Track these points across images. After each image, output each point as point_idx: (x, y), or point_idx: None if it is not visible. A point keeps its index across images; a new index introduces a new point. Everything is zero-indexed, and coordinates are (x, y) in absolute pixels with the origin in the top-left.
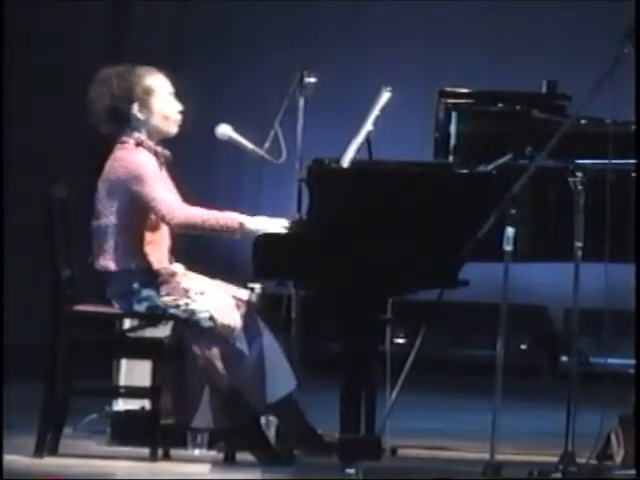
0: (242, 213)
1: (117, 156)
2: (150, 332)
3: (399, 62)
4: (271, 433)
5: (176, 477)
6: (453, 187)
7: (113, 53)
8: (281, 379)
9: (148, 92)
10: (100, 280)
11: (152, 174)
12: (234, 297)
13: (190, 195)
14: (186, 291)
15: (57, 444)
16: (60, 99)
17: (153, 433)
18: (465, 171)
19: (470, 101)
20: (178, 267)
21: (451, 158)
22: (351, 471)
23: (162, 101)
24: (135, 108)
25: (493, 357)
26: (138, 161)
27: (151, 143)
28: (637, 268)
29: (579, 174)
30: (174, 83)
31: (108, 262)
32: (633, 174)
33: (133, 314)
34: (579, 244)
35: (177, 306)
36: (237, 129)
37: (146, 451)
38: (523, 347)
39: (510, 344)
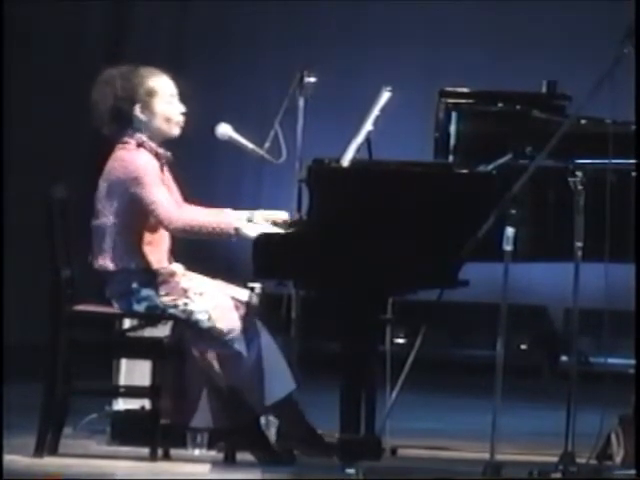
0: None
1: (118, 156)
2: (150, 332)
3: (399, 62)
4: (271, 433)
5: (176, 477)
6: (453, 187)
7: (113, 53)
8: (280, 380)
9: (151, 94)
10: (100, 280)
11: (151, 177)
12: (233, 298)
13: (190, 195)
14: (185, 291)
15: (57, 444)
16: (60, 99)
17: (153, 433)
18: (465, 171)
19: (470, 101)
20: (178, 267)
21: (451, 158)
22: (351, 471)
23: (164, 103)
24: (137, 109)
25: (493, 357)
26: (138, 163)
27: (153, 144)
28: (637, 268)
29: (579, 174)
30: (175, 83)
31: (107, 262)
32: (633, 174)
33: (132, 314)
34: (579, 244)
35: (176, 306)
36: (237, 129)
37: (146, 451)
38: (523, 347)
39: (510, 344)
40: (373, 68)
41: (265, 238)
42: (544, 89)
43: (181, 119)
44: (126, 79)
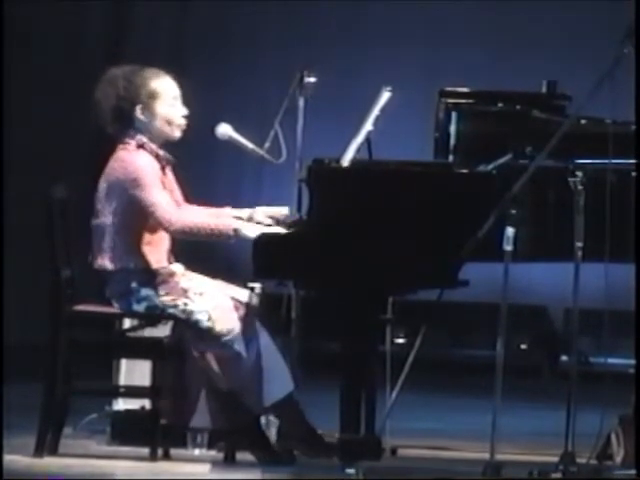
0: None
1: (118, 157)
2: (150, 332)
3: (399, 62)
4: (271, 433)
5: (176, 477)
6: (453, 187)
7: (113, 53)
8: (279, 381)
9: (153, 96)
10: (100, 280)
11: (151, 178)
12: (233, 298)
13: (190, 195)
14: (185, 291)
15: (57, 444)
16: (60, 99)
17: (153, 433)
18: (465, 171)
19: (470, 101)
20: (178, 267)
21: (451, 158)
22: (351, 471)
23: (166, 105)
24: (138, 111)
25: (493, 357)
26: (137, 164)
27: (153, 146)
28: (637, 268)
29: (579, 174)
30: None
31: (106, 261)
32: (633, 174)
33: (132, 314)
34: (579, 244)
35: (175, 306)
36: (237, 129)
37: (146, 451)
38: (523, 347)
39: (510, 344)
40: (373, 68)
41: (265, 238)
42: (544, 89)
43: (183, 122)
44: (129, 80)
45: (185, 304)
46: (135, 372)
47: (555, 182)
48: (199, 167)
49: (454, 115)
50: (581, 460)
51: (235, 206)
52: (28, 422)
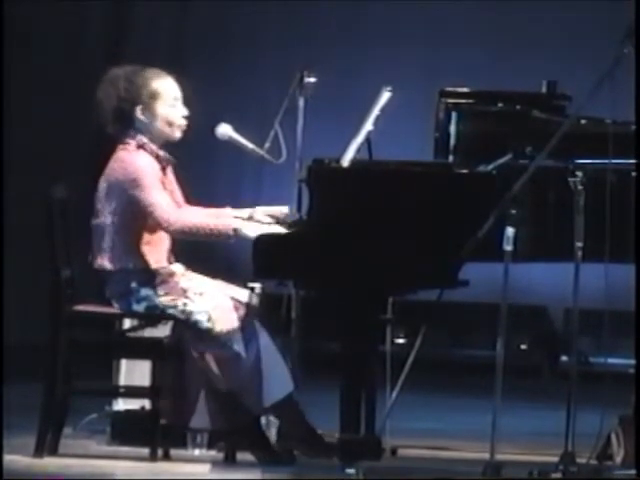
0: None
1: (118, 157)
2: (150, 332)
3: (399, 62)
4: (271, 433)
5: (176, 477)
6: (453, 187)
7: (113, 53)
8: (278, 382)
9: (153, 96)
10: (100, 280)
11: (150, 179)
12: (233, 299)
13: (190, 195)
14: (184, 291)
15: (57, 444)
16: (60, 99)
17: (153, 433)
18: (465, 171)
19: (470, 101)
20: (178, 267)
21: (451, 158)
22: (351, 471)
23: (167, 106)
24: (138, 111)
25: (493, 357)
26: (137, 164)
27: (153, 146)
28: (637, 268)
29: (579, 174)
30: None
31: (106, 261)
32: (633, 174)
33: (132, 314)
34: (579, 244)
35: (175, 306)
36: (237, 129)
37: (146, 451)
38: (523, 347)
39: (510, 344)
40: (373, 68)
41: (265, 238)
42: (544, 89)
43: (183, 122)
44: (129, 80)
45: (185, 304)
46: (135, 372)
47: (555, 182)
48: (199, 167)
49: (454, 115)
50: (581, 460)
51: (235, 206)
52: (28, 422)
